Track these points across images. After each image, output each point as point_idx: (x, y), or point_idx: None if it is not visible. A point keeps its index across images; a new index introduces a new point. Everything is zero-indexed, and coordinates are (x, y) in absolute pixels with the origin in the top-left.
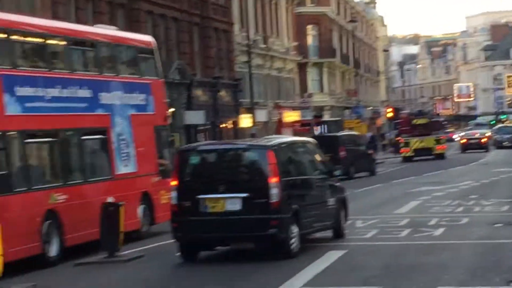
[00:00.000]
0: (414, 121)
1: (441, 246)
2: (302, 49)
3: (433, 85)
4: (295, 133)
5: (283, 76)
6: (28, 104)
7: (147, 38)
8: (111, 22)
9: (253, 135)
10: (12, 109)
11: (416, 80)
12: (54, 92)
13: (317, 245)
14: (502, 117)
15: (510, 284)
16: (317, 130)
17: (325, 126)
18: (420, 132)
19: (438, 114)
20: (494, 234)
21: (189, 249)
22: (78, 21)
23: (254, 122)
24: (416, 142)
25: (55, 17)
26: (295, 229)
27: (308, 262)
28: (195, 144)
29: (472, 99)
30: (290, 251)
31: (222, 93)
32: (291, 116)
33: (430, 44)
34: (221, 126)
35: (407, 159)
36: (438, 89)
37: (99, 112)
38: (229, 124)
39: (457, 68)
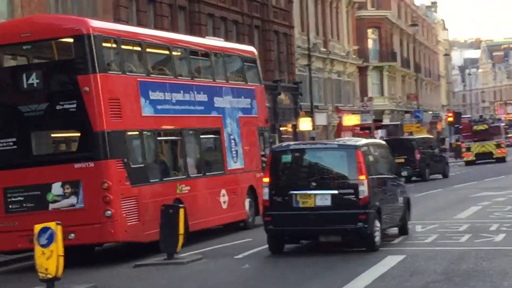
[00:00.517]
0: (475, 127)
1: (501, 252)
2: (362, 52)
3: (494, 89)
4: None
5: (343, 79)
6: (159, 107)
7: (250, 48)
8: (172, 24)
9: (312, 139)
10: (147, 110)
11: (478, 85)
12: (178, 96)
13: (378, 249)
14: None
15: None
16: (377, 134)
17: (385, 130)
18: (481, 138)
19: (499, 119)
20: None
21: (277, 241)
22: (139, 23)
23: (313, 125)
24: (477, 147)
25: (116, 20)
26: (378, 224)
27: (368, 266)
28: (286, 144)
29: None
30: (374, 244)
31: (282, 96)
32: (351, 120)
33: (491, 48)
34: (281, 129)
35: (468, 163)
36: (499, 94)
37: (214, 114)
38: (288, 128)
39: None
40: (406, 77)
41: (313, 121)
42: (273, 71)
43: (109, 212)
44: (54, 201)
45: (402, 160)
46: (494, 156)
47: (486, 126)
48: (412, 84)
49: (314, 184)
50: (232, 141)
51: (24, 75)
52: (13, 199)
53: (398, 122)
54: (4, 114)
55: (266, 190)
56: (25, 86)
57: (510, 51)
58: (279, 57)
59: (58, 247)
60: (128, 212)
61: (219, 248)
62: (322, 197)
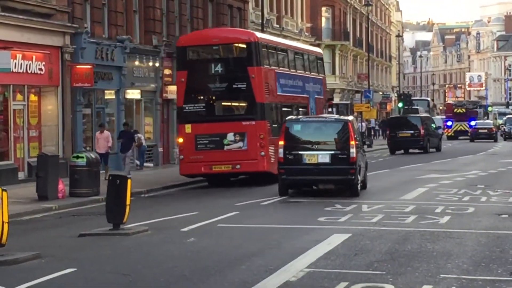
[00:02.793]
0: (455, 110)
1: (446, 234)
2: (315, 30)
3: (444, 73)
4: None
5: None
6: (284, 88)
7: (320, 50)
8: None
9: None
10: (279, 91)
11: (428, 67)
12: (291, 82)
13: (323, 228)
14: None
15: None
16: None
17: (335, 108)
18: (459, 118)
19: (480, 105)
20: (499, 225)
21: (286, 187)
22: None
23: None
24: (456, 125)
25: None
26: (359, 177)
27: (313, 244)
28: (296, 117)
29: (483, 88)
30: (357, 190)
31: None
32: None
33: (443, 31)
34: None
35: (449, 138)
36: (449, 77)
37: (305, 95)
38: None
39: (470, 57)
40: (358, 57)
41: None
42: None
43: (262, 153)
44: (228, 144)
45: (409, 135)
46: (469, 134)
47: (464, 109)
48: (363, 64)
49: (317, 146)
50: (311, 113)
51: (212, 65)
52: (200, 141)
53: (348, 102)
54: (198, 89)
55: (281, 150)
56: (213, 72)
57: (462, 35)
58: None
59: (3, 213)
60: (271, 154)
61: (165, 220)
62: (323, 156)
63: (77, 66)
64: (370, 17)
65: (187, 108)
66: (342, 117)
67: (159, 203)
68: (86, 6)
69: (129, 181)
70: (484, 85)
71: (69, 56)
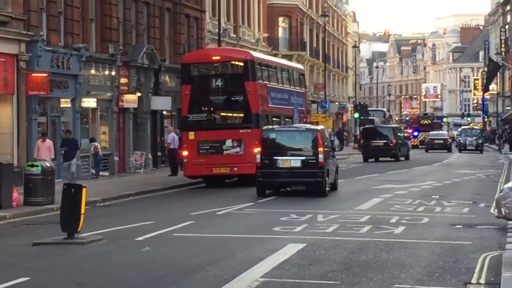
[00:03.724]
0: (422, 121)
1: (400, 245)
2: (272, 40)
3: (400, 83)
4: None
5: None
6: (274, 101)
7: (301, 66)
8: (83, 2)
9: None
10: (270, 103)
11: (384, 78)
12: (279, 95)
13: (278, 237)
14: (468, 119)
15: (467, 286)
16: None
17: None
18: (425, 129)
19: (440, 117)
20: (453, 235)
21: (263, 189)
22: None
23: None
24: (422, 136)
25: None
26: (326, 179)
27: (268, 254)
28: (272, 126)
29: (438, 99)
30: (325, 192)
31: None
32: None
33: (399, 42)
34: None
35: (413, 147)
36: (405, 88)
37: (290, 107)
38: None
39: (425, 68)
40: (315, 67)
41: None
42: (182, 55)
43: (258, 156)
44: (227, 149)
45: (382, 144)
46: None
47: (429, 121)
48: (320, 74)
49: (290, 152)
50: (295, 122)
51: (213, 80)
52: (202, 147)
53: None
54: (200, 100)
55: (258, 156)
56: (213, 86)
57: (418, 46)
58: (189, 40)
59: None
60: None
61: (120, 229)
62: (295, 161)
63: (33, 74)
64: (327, 27)
65: (190, 117)
66: (312, 127)
67: (114, 212)
68: (42, 14)
69: (84, 190)
70: (439, 96)
71: (25, 64)
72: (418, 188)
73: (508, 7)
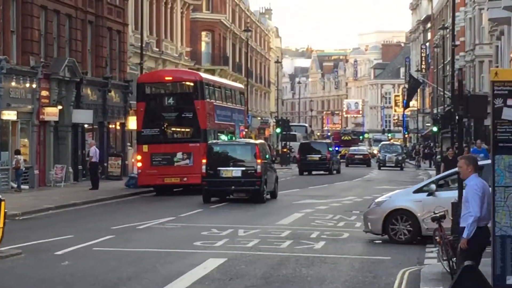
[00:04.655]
0: (343, 137)
1: (320, 260)
2: (195, 55)
3: (322, 99)
4: None
5: None
6: (219, 117)
7: (242, 86)
8: (4, 15)
9: None
10: (216, 119)
11: (306, 94)
12: (223, 112)
13: (198, 252)
14: (389, 135)
15: None
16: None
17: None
18: (346, 144)
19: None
20: (373, 250)
21: (208, 196)
22: None
23: None
24: (343, 150)
25: None
26: (265, 188)
27: (188, 268)
28: (216, 141)
29: (360, 115)
30: (264, 198)
31: (112, 93)
32: None
33: (322, 58)
34: (109, 127)
35: None
36: (327, 104)
37: (232, 123)
38: (117, 125)
39: (347, 84)
40: (238, 82)
41: None
42: (104, 68)
43: (204, 167)
44: (177, 161)
45: (317, 159)
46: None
47: (350, 137)
48: None
49: (231, 163)
50: (238, 136)
51: (166, 98)
52: (155, 159)
53: None
54: (154, 117)
55: (204, 166)
56: (166, 103)
57: (340, 62)
58: (111, 54)
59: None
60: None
61: (39, 243)
62: (236, 171)
63: None
64: (249, 42)
65: (144, 132)
66: (252, 141)
67: (34, 226)
68: None
69: (2, 203)
70: (361, 112)
71: None
72: (339, 203)
73: (429, 25)
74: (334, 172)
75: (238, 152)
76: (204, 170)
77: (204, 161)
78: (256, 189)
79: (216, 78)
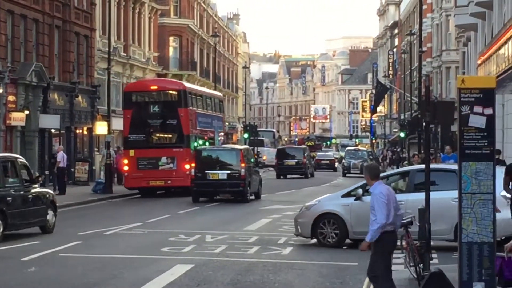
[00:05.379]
0: (307, 143)
1: (288, 265)
2: (163, 60)
3: (290, 104)
4: None
5: None
6: (200, 124)
7: (221, 94)
8: None
9: (108, 144)
10: (198, 126)
11: (274, 99)
12: (204, 119)
13: (166, 258)
14: (356, 140)
15: None
16: None
17: None
18: (310, 150)
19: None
20: (341, 256)
21: (197, 196)
22: None
23: (110, 130)
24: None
25: None
26: (248, 189)
27: (156, 274)
28: (204, 146)
29: (327, 121)
30: (247, 199)
31: (79, 98)
32: None
33: (289, 64)
34: (76, 132)
35: None
36: (295, 109)
37: (211, 129)
38: (84, 130)
39: (315, 89)
40: (205, 87)
41: (109, 125)
42: (71, 73)
43: (188, 172)
44: (162, 165)
45: (294, 163)
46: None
47: (313, 143)
48: None
49: (218, 167)
50: (216, 143)
51: (151, 105)
52: (141, 163)
53: None
54: (140, 123)
55: (193, 170)
56: (151, 111)
57: (308, 67)
58: (78, 59)
59: None
60: (193, 173)
61: (5, 249)
62: (222, 174)
63: None
64: (217, 48)
65: (131, 137)
66: (237, 146)
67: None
68: None
69: None
70: (328, 117)
71: None
72: None
73: (396, 31)
74: (310, 175)
75: (224, 156)
76: (193, 173)
77: (193, 164)
78: (240, 190)
79: (198, 87)
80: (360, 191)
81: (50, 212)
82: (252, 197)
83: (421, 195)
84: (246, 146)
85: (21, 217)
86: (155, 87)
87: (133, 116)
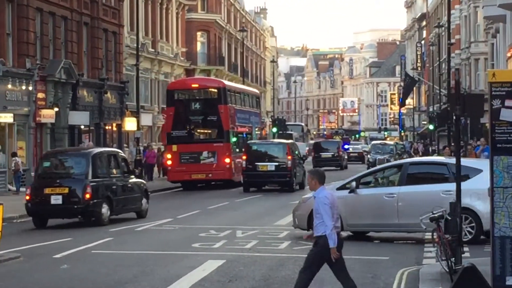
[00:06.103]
0: (334, 136)
1: None
2: (190, 55)
3: (318, 98)
4: None
5: (170, 81)
6: (239, 120)
7: (257, 91)
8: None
9: (137, 140)
10: (237, 122)
11: (302, 92)
12: (243, 116)
13: (197, 254)
14: (385, 133)
15: None
16: None
17: None
18: None
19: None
20: (371, 251)
21: (248, 187)
22: None
23: (139, 125)
24: None
25: None
26: (294, 180)
27: (187, 270)
28: (254, 140)
29: (356, 114)
30: (293, 188)
31: (108, 95)
32: None
33: (317, 57)
34: (105, 128)
35: None
36: (323, 102)
37: (249, 125)
38: (113, 127)
39: (343, 82)
40: (233, 82)
41: (138, 121)
42: (100, 69)
43: (228, 165)
44: (203, 159)
45: (330, 156)
46: None
47: (340, 137)
48: None
49: (267, 159)
50: (254, 138)
51: (193, 103)
52: (183, 157)
53: None
54: (182, 120)
55: (244, 162)
56: (193, 108)
57: (335, 61)
58: (107, 55)
59: None
60: (233, 166)
61: (38, 246)
62: (270, 166)
63: None
64: (245, 42)
65: (174, 133)
66: (283, 141)
67: (32, 229)
68: None
69: (1, 207)
70: (357, 110)
71: None
72: None
73: (424, 23)
74: (344, 168)
75: (272, 150)
76: (244, 165)
77: (244, 157)
78: (287, 181)
79: (236, 85)
80: (354, 184)
81: (144, 200)
82: (297, 187)
83: (413, 188)
84: (292, 141)
85: (122, 204)
86: (196, 85)
87: (175, 113)
